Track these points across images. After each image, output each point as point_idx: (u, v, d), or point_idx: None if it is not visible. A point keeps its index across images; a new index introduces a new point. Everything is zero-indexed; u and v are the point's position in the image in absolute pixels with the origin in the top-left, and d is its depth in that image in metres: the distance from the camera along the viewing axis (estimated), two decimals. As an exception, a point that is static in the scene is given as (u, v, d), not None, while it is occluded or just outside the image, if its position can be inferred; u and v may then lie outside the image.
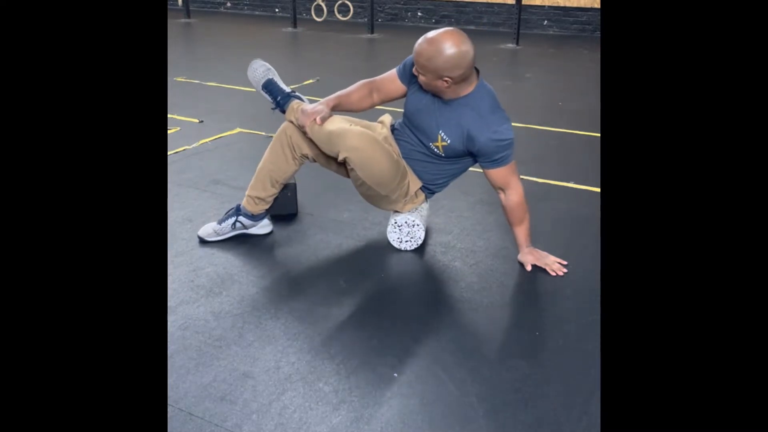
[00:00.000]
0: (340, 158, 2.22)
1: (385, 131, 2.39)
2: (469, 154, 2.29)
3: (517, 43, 6.82)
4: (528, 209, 2.30)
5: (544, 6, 7.64)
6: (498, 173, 2.25)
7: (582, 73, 5.55)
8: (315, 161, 2.42)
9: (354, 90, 2.39)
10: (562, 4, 7.56)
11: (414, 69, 2.20)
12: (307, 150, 2.36)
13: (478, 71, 2.22)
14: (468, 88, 2.19)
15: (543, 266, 2.28)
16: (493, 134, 2.18)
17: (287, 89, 2.42)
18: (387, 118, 2.48)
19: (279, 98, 2.40)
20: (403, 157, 2.36)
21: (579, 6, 7.49)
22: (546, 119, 4.14)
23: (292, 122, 2.35)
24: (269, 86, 2.42)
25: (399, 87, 2.36)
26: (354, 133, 2.19)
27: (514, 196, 2.27)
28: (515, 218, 2.30)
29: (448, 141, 2.24)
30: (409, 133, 2.36)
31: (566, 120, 4.11)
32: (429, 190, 2.44)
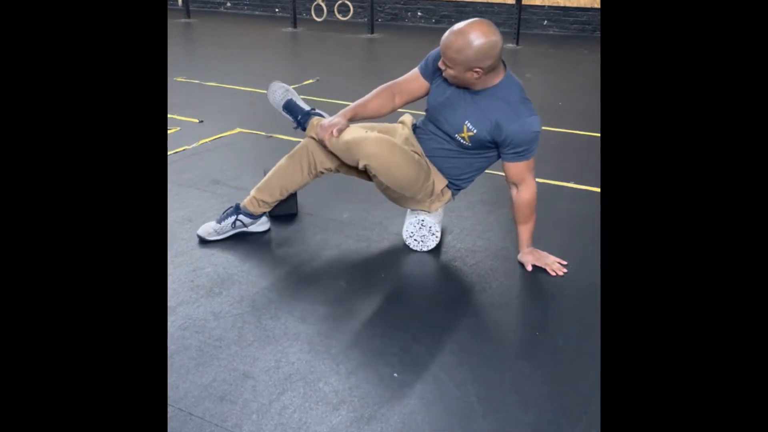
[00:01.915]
0: (361, 166, 2.24)
1: (407, 131, 2.39)
2: (495, 145, 2.27)
3: (517, 43, 6.82)
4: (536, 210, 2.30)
5: (544, 6, 7.64)
6: (517, 167, 2.24)
7: (582, 73, 5.55)
8: (338, 171, 2.42)
9: (372, 97, 2.38)
10: (562, 4, 7.56)
11: (441, 62, 2.17)
12: (329, 164, 2.38)
13: (504, 63, 2.21)
14: (496, 79, 2.19)
15: (543, 266, 2.28)
16: (522, 124, 2.17)
17: (307, 107, 2.46)
18: (408, 118, 2.48)
19: (299, 117, 2.44)
20: (428, 155, 2.36)
21: (579, 6, 7.49)
22: (546, 119, 4.11)
23: (313, 138, 2.37)
24: (289, 106, 2.46)
25: (423, 84, 2.35)
26: (371, 140, 2.20)
27: (526, 193, 2.27)
28: (522, 216, 2.30)
29: (475, 131, 2.22)
30: (434, 127, 2.35)
31: (566, 120, 4.11)
32: (455, 186, 2.43)
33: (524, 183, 2.26)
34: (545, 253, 2.32)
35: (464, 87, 2.22)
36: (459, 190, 2.47)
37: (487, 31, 2.08)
